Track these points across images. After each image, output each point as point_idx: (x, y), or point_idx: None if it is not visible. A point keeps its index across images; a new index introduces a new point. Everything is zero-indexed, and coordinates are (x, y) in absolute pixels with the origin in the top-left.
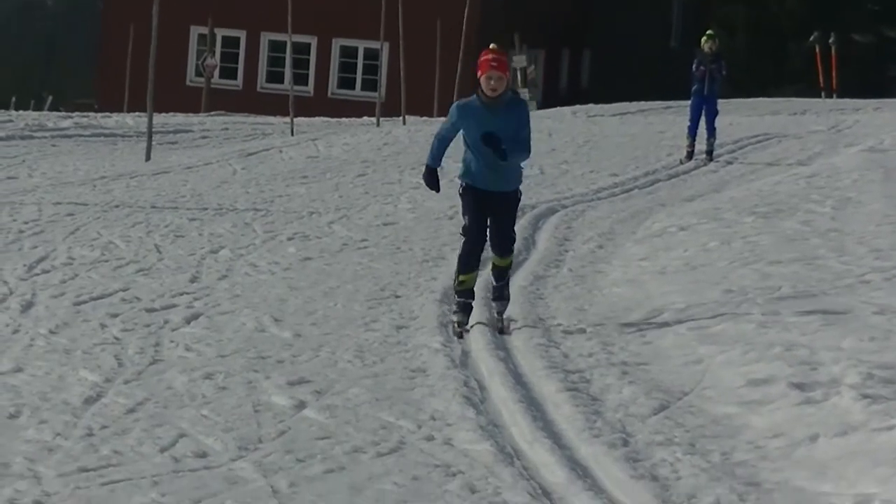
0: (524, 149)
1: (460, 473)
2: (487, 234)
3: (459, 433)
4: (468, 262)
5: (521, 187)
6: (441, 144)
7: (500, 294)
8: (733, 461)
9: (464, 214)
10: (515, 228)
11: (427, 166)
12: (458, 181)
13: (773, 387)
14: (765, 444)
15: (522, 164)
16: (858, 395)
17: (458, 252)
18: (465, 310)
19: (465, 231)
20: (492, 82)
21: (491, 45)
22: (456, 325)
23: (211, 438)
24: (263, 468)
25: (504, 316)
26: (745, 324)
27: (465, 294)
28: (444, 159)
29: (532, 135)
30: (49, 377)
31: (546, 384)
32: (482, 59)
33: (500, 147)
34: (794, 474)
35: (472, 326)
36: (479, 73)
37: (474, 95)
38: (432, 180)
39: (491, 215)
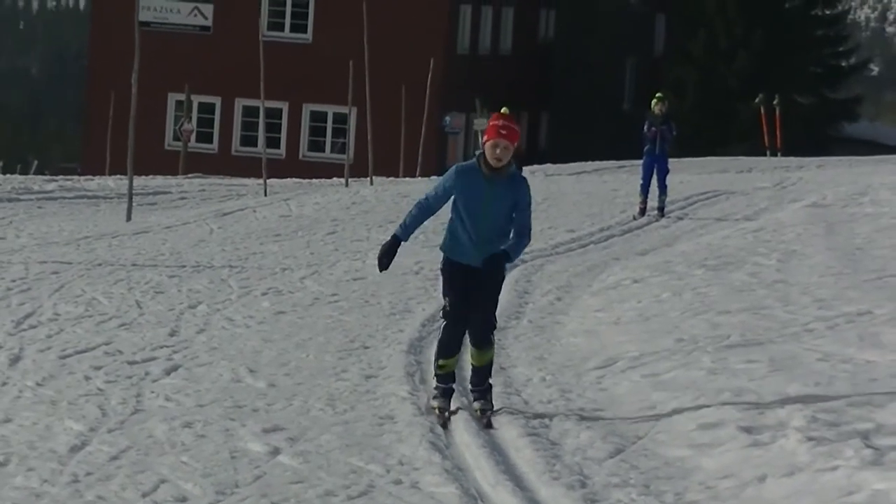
0: (525, 234)
1: None
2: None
3: (426, 477)
4: (449, 348)
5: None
6: (422, 213)
7: (482, 396)
8: (686, 501)
9: (445, 294)
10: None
11: (394, 236)
12: (442, 253)
13: (723, 430)
14: (715, 484)
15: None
16: (804, 438)
17: (438, 337)
18: (447, 394)
19: (447, 314)
20: (497, 150)
21: (503, 109)
22: (437, 410)
23: (190, 484)
24: None
25: (487, 414)
26: (695, 371)
27: (445, 379)
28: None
29: None
30: (36, 427)
31: (508, 429)
32: (491, 123)
33: (507, 259)
34: None
35: (454, 410)
36: (484, 139)
37: (475, 160)
38: (390, 254)
39: (473, 295)
